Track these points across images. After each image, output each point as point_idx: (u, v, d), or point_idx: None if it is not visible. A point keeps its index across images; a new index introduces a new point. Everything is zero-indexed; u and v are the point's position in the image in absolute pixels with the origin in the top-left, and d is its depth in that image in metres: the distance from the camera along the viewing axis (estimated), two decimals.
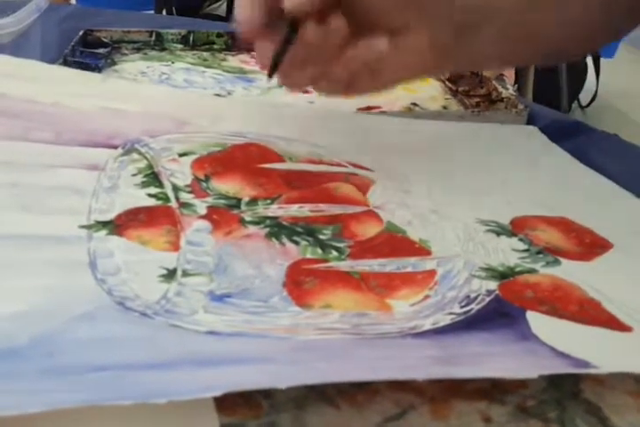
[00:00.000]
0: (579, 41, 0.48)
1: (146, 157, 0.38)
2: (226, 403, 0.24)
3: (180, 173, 0.37)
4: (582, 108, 1.92)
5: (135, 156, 0.38)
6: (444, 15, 0.38)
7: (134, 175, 0.36)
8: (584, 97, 1.90)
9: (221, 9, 1.72)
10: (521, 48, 0.44)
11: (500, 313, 0.29)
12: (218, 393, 0.22)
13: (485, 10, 0.40)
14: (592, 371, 0.25)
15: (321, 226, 0.34)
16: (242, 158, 0.39)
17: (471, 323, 0.28)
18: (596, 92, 1.54)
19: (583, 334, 0.28)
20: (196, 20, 0.79)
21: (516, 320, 0.29)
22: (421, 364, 0.25)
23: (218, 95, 0.54)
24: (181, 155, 0.39)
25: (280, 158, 0.40)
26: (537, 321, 0.29)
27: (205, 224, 0.33)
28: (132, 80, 0.52)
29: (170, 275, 0.29)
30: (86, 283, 0.28)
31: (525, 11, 0.42)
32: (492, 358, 0.26)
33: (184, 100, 0.46)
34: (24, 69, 0.45)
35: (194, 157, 0.39)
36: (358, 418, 0.25)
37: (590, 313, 0.30)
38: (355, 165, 0.41)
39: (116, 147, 0.38)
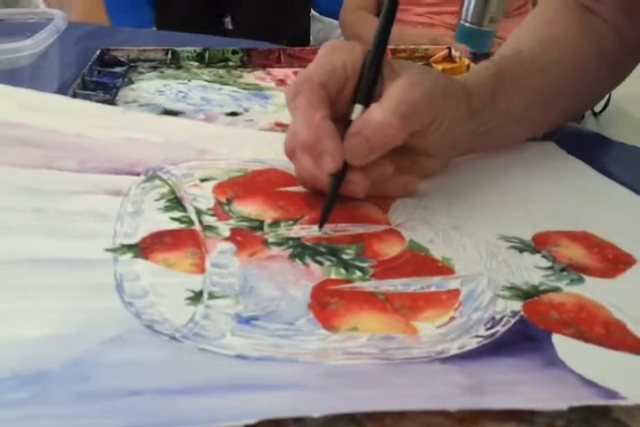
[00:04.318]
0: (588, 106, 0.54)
1: (168, 183, 0.39)
2: (255, 425, 0.24)
3: (203, 197, 0.37)
4: (595, 115, 1.90)
5: (157, 182, 0.39)
6: (459, 148, 0.43)
7: (157, 200, 0.37)
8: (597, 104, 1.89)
9: (227, 21, 1.73)
10: (525, 134, 0.49)
11: (525, 336, 0.29)
12: (252, 421, 0.22)
13: (498, 119, 0.44)
14: (621, 402, 0.25)
15: (344, 245, 0.34)
16: (262, 183, 0.40)
17: (497, 347, 0.28)
18: (609, 98, 1.53)
19: (610, 360, 0.28)
20: (209, 37, 0.80)
21: (542, 344, 0.29)
22: (450, 392, 0.25)
23: (235, 113, 0.54)
24: (203, 180, 0.39)
25: None
26: (563, 345, 0.29)
27: (229, 246, 0.33)
28: (152, 113, 0.53)
29: (196, 297, 0.29)
30: (114, 306, 0.28)
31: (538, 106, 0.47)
32: (519, 387, 0.26)
33: (204, 131, 0.47)
34: (46, 103, 0.46)
35: (215, 182, 0.39)
36: None
37: (616, 336, 0.30)
38: None
39: (138, 174, 0.39)
